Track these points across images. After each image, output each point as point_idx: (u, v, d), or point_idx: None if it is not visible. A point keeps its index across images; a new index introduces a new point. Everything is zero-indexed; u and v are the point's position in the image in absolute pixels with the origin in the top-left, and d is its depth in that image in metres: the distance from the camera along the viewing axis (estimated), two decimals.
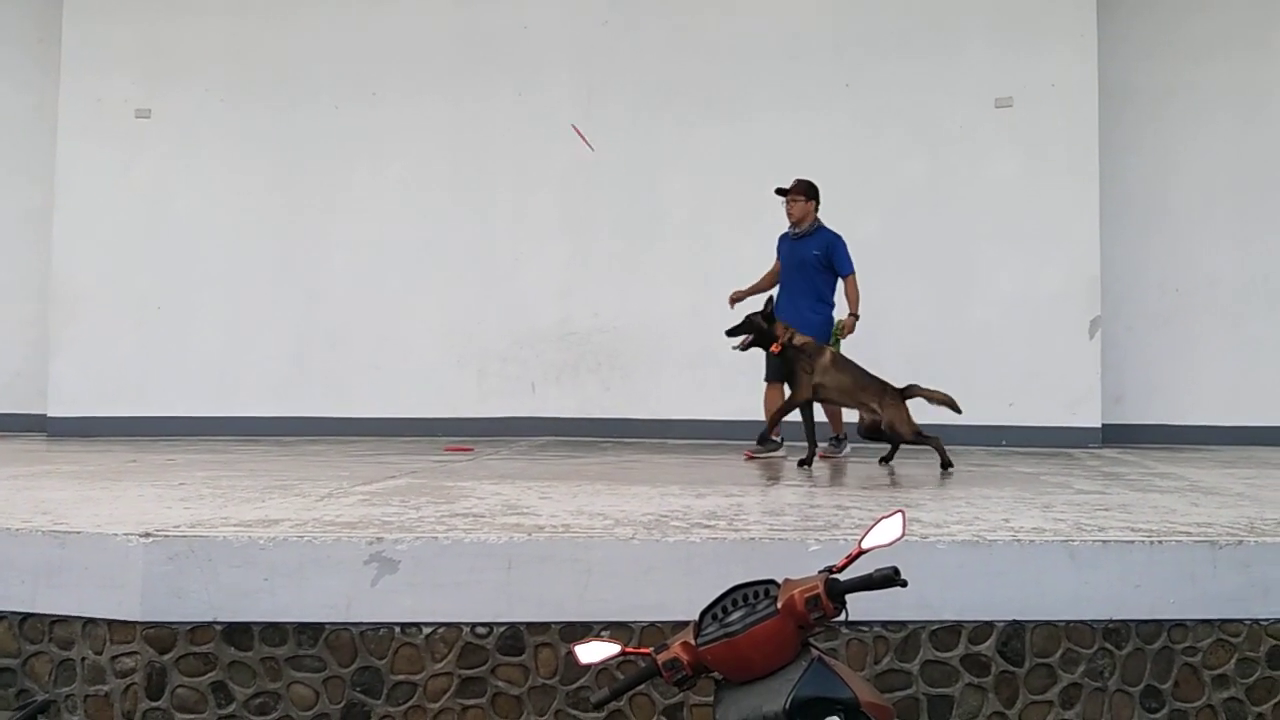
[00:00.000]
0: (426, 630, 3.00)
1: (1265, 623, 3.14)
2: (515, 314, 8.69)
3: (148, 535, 3.02)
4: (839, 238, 6.71)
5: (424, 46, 8.88)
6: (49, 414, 8.74)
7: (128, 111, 8.85)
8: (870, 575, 2.17)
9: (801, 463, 5.91)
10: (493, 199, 8.76)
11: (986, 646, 3.08)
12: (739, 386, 8.41)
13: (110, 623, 2.99)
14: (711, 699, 2.33)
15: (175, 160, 8.86)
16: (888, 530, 2.23)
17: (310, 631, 2.98)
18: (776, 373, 6.44)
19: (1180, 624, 3.12)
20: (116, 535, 3.05)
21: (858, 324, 6.66)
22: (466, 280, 8.75)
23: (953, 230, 8.38)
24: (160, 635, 2.96)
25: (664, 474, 5.34)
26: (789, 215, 6.79)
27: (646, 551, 3.06)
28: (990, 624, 3.08)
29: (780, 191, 6.79)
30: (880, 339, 8.34)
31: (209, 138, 8.86)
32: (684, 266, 8.57)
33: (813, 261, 6.67)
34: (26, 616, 3.09)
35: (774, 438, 6.61)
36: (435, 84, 8.83)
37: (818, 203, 6.80)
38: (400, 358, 8.64)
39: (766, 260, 8.59)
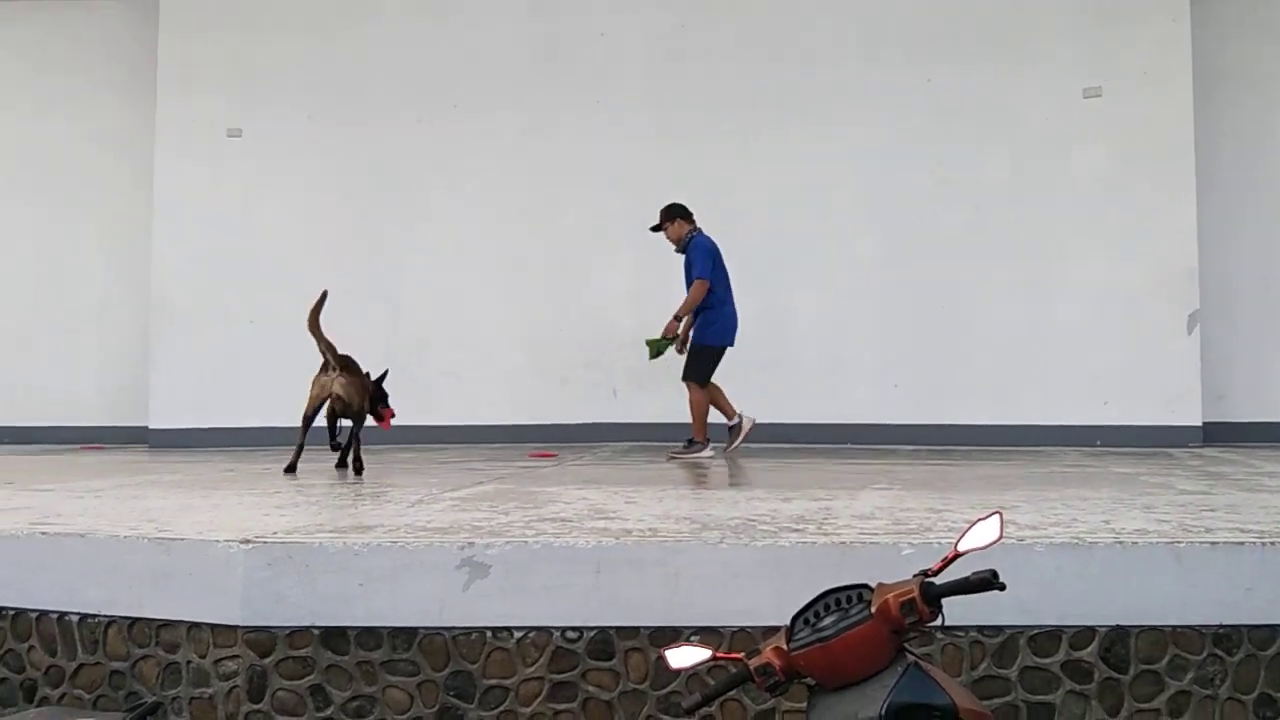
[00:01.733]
0: (518, 634, 3.02)
1: None
2: (594, 320, 8.75)
3: (247, 542, 3.10)
4: (699, 245, 6.85)
5: (501, 58, 9.01)
6: (150, 426, 9.06)
7: (219, 131, 9.14)
8: (968, 578, 2.12)
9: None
10: (569, 206, 8.83)
11: (1089, 652, 2.99)
12: (817, 388, 8.35)
13: (213, 627, 3.07)
14: (804, 705, 2.30)
15: (264, 177, 9.12)
16: (984, 533, 2.18)
17: (404, 636, 3.02)
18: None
19: None
20: (218, 542, 3.13)
21: (680, 324, 6.93)
22: (546, 288, 8.84)
23: (1040, 225, 8.18)
24: (260, 639, 3.03)
25: (747, 478, 5.31)
26: (671, 243, 7.07)
27: (734, 555, 3.04)
28: (1092, 629, 2.98)
29: (655, 229, 7.10)
30: (965, 338, 8.21)
31: (295, 153, 9.11)
32: (759, 271, 8.51)
33: (687, 280, 6.96)
34: (135, 621, 3.19)
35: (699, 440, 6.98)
36: (512, 94, 8.95)
37: (684, 218, 6.96)
38: (483, 365, 8.76)
39: (845, 260, 8.50)
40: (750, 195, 8.60)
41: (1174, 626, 2.98)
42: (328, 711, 3.02)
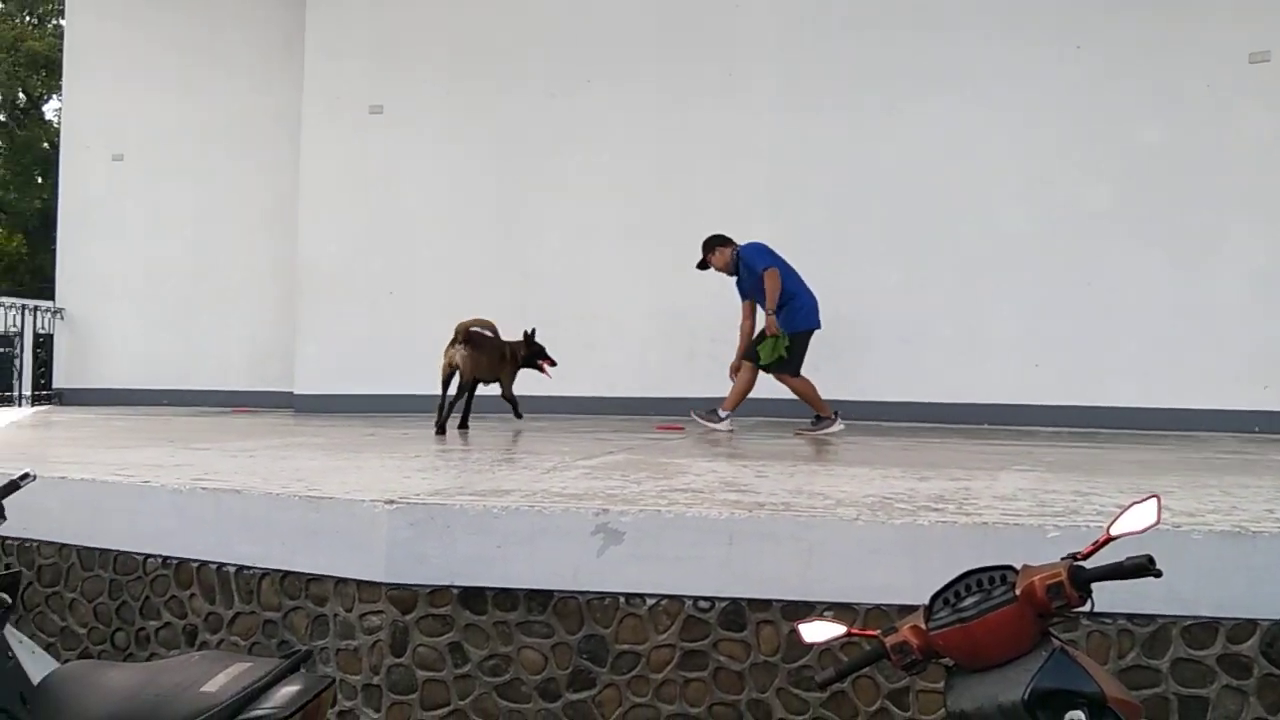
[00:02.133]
0: (650, 601, 3.05)
1: None
2: (723, 294, 8.68)
3: (391, 503, 3.21)
4: (749, 250, 6.94)
5: (634, 30, 9.01)
6: (295, 391, 9.47)
7: (362, 106, 9.43)
8: (1121, 563, 2.03)
9: None
10: (700, 179, 8.79)
11: (1248, 646, 2.83)
12: (955, 366, 8.13)
13: (359, 583, 3.20)
14: (941, 686, 2.25)
15: (403, 150, 9.38)
16: (1140, 517, 2.09)
17: (540, 598, 3.09)
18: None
19: None
20: (364, 501, 3.26)
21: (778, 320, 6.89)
22: (675, 261, 8.80)
23: (1198, 198, 7.74)
24: (403, 596, 3.14)
25: (883, 455, 5.21)
26: (723, 272, 7.20)
27: (871, 533, 2.99)
28: (1254, 622, 2.82)
29: (702, 266, 7.25)
30: (1113, 316, 7.85)
31: (432, 128, 9.33)
32: (897, 240, 8.33)
33: (750, 289, 7.05)
34: (287, 574, 3.35)
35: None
36: (645, 67, 8.95)
37: (723, 245, 7.06)
38: (612, 337, 8.83)
39: (987, 234, 8.26)
40: (887, 168, 8.40)
41: None
42: (465, 669, 3.12)
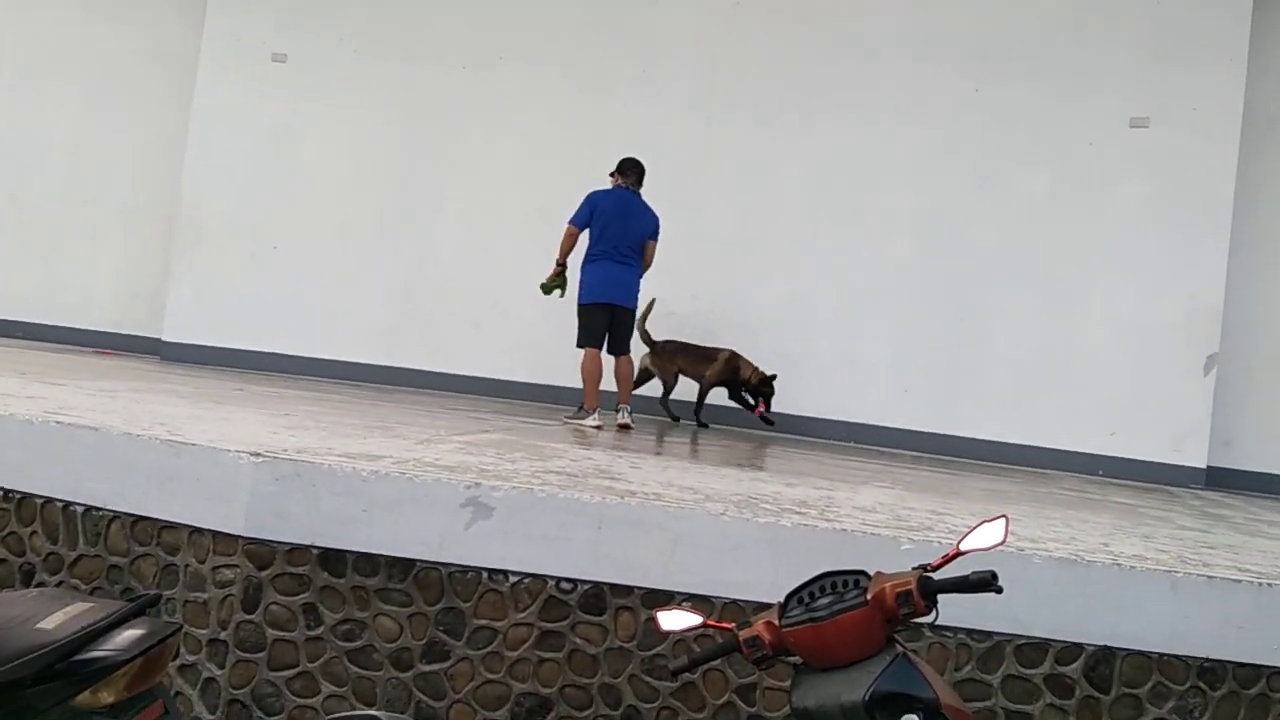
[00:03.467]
0: (513, 579, 3.05)
1: None
2: None
3: (258, 455, 3.13)
4: (589, 196, 6.77)
5: (553, 14, 8.95)
6: (163, 338, 9.10)
7: (265, 54, 9.12)
8: (967, 577, 2.13)
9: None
10: (603, 171, 8.78)
11: (1073, 668, 3.01)
12: (830, 384, 8.36)
13: (215, 534, 3.11)
14: (787, 684, 2.32)
15: (305, 105, 9.10)
16: (989, 534, 2.20)
17: (401, 566, 3.06)
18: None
19: None
20: (229, 451, 3.17)
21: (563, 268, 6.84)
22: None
23: (1072, 247, 8.13)
24: (260, 552, 3.07)
25: (753, 460, 5.33)
26: None
27: (735, 529, 3.06)
28: (1080, 646, 3.01)
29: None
30: (982, 351, 8.19)
31: (338, 85, 9.08)
32: (790, 256, 8.50)
33: None
34: (138, 519, 3.23)
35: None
36: (560, 53, 8.89)
37: (618, 172, 6.93)
38: (501, 319, 8.75)
39: (878, 254, 8.50)
40: (787, 181, 8.55)
41: (1161, 654, 3.00)
42: (318, 631, 3.06)
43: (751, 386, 7.80)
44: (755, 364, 7.81)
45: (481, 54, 8.97)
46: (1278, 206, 8.26)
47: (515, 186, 8.87)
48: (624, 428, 6.50)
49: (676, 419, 7.89)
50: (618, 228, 6.65)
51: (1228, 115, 7.92)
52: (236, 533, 3.08)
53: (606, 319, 6.62)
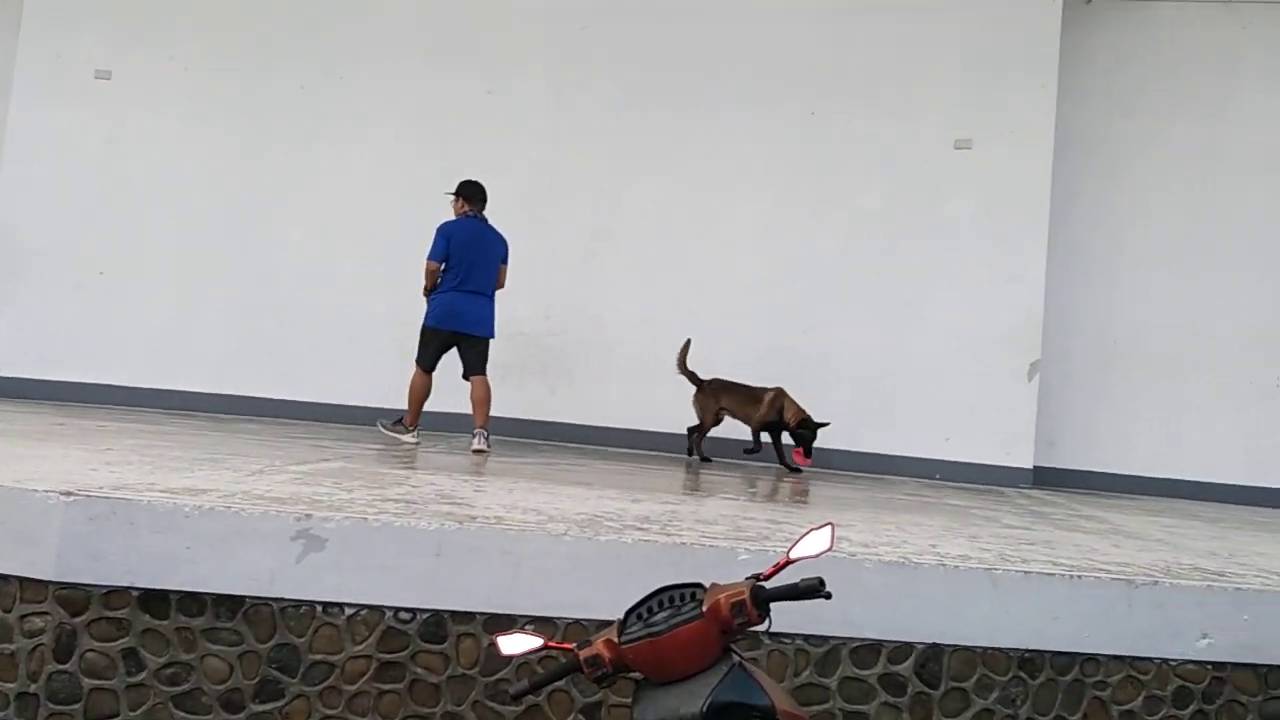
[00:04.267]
0: (349, 611, 2.97)
1: (1174, 663, 3.22)
2: None
3: (69, 494, 2.95)
4: (440, 229, 6.81)
5: (398, 31, 8.83)
6: None
7: (88, 71, 8.68)
8: (796, 585, 2.18)
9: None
10: (449, 190, 8.71)
11: (905, 667, 3.12)
12: (682, 399, 8.47)
13: (22, 580, 2.91)
14: (630, 700, 2.33)
15: (132, 124, 8.70)
16: (816, 542, 2.25)
17: (229, 604, 2.93)
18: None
19: (1093, 658, 3.19)
20: (36, 491, 2.97)
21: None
22: (418, 272, 8.68)
23: (905, 263, 8.51)
24: (73, 597, 2.89)
25: (602, 479, 5.34)
26: None
27: (577, 548, 3.06)
28: (910, 645, 3.12)
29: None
30: (825, 365, 8.47)
31: (169, 103, 8.72)
32: (639, 275, 8.60)
33: None
34: None
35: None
36: (404, 71, 8.78)
37: (465, 198, 6.93)
38: (345, 343, 8.54)
39: (725, 273, 8.68)
40: (636, 202, 8.67)
41: (984, 648, 3.15)
42: (140, 677, 2.91)
43: (789, 428, 7.45)
44: (801, 406, 7.48)
45: (322, 71, 8.77)
46: (1088, 220, 8.87)
47: (359, 206, 8.68)
48: (479, 452, 6.46)
49: (707, 460, 7.69)
50: (472, 261, 6.73)
51: (1041, 135, 8.45)
52: (46, 578, 2.89)
53: (443, 345, 6.73)
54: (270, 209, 8.70)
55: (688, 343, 7.69)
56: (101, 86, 8.71)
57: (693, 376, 7.70)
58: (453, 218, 6.88)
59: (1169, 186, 8.84)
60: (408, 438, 6.74)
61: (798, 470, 7.40)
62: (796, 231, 8.61)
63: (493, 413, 8.32)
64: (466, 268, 6.69)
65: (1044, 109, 8.44)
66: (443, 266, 6.69)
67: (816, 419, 7.45)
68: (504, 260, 6.92)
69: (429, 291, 6.77)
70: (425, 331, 6.73)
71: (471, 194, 6.90)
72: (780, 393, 7.52)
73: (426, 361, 6.75)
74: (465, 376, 6.78)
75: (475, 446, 6.54)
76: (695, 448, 7.76)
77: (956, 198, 8.52)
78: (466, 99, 8.73)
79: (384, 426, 6.99)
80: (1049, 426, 8.62)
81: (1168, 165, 8.83)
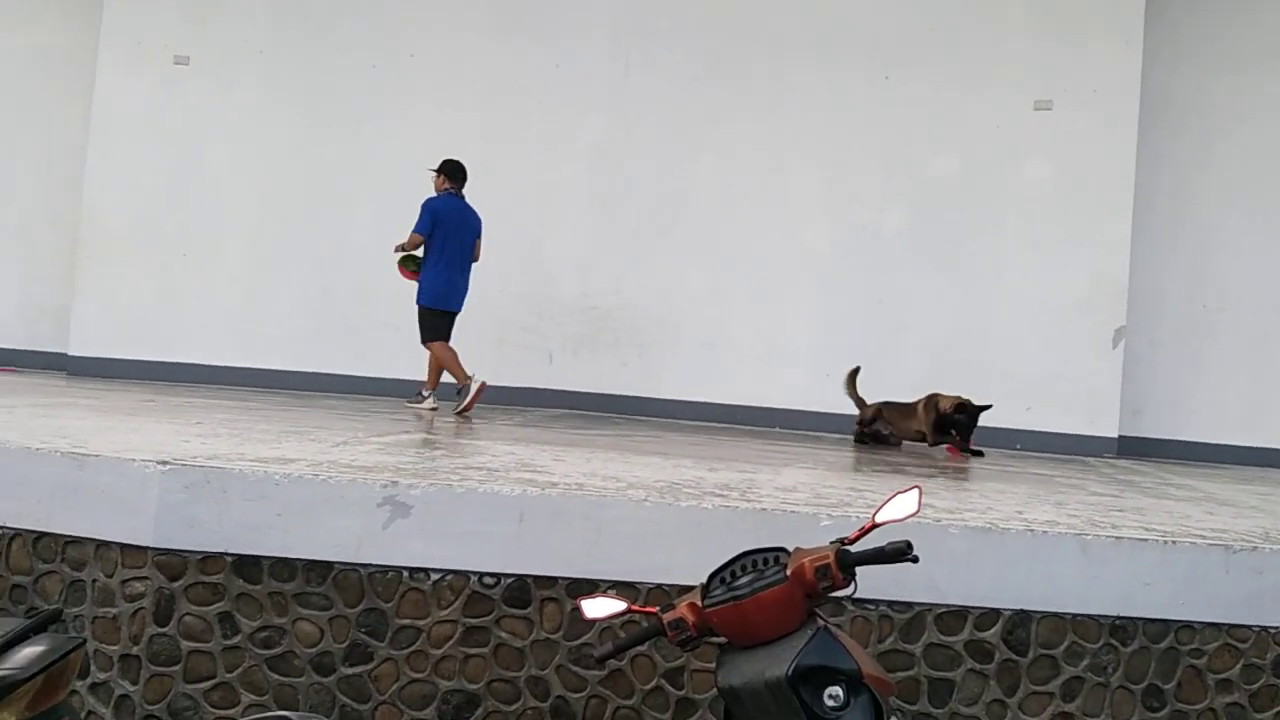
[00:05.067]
0: (434, 576, 3.01)
1: (1274, 630, 3.12)
2: (537, 284, 8.70)
3: (165, 463, 3.04)
4: (427, 205, 7.09)
5: (464, 12, 8.87)
6: (70, 352, 8.81)
7: (167, 56, 8.88)
8: (882, 548, 2.16)
9: None
10: (522, 166, 8.75)
11: (992, 634, 3.07)
12: (752, 371, 8.43)
13: (123, 547, 3.01)
14: (714, 665, 2.33)
15: (210, 108, 8.89)
16: (903, 505, 2.23)
17: (319, 569, 3.00)
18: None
19: (1188, 625, 3.10)
20: (134, 460, 3.07)
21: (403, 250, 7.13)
22: (490, 246, 8.73)
23: (982, 229, 8.33)
24: (171, 562, 2.98)
25: (677, 449, 5.34)
26: None
27: (658, 514, 3.06)
28: (997, 611, 3.07)
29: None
30: (902, 334, 8.34)
31: (245, 87, 8.88)
32: (707, 246, 8.56)
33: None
34: (41, 535, 3.11)
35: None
36: (472, 48, 8.82)
37: (447, 175, 7.24)
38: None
39: (795, 243, 8.58)
40: (703, 173, 8.63)
41: (1074, 614, 3.08)
42: (235, 640, 2.99)
43: (952, 418, 6.89)
44: (957, 396, 6.96)
45: (391, 51, 8.86)
46: (1176, 183, 8.57)
47: (429, 185, 8.76)
48: (434, 410, 7.06)
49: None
50: (457, 237, 7.10)
51: (1126, 96, 8.18)
52: (145, 544, 2.99)
53: (450, 321, 7.19)
54: (342, 188, 8.84)
55: (856, 370, 7.42)
56: (180, 72, 8.91)
57: (860, 402, 7.38)
58: (434, 194, 7.22)
59: (1263, 147, 8.50)
60: (427, 404, 7.19)
61: (979, 454, 6.85)
62: (868, 199, 8.48)
63: (566, 386, 8.44)
64: (453, 244, 7.06)
65: (1128, 68, 8.17)
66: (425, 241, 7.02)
67: (977, 402, 6.94)
68: (479, 235, 7.27)
69: (402, 249, 7.05)
70: (428, 312, 7.10)
71: (453, 172, 7.24)
72: (931, 396, 7.04)
73: (444, 335, 7.13)
74: (425, 340, 7.15)
75: (432, 406, 7.18)
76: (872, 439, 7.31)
77: (1036, 160, 8.31)
78: (534, 74, 8.74)
79: (409, 404, 7.32)
80: (1134, 394, 8.40)
81: (1262, 125, 8.49)
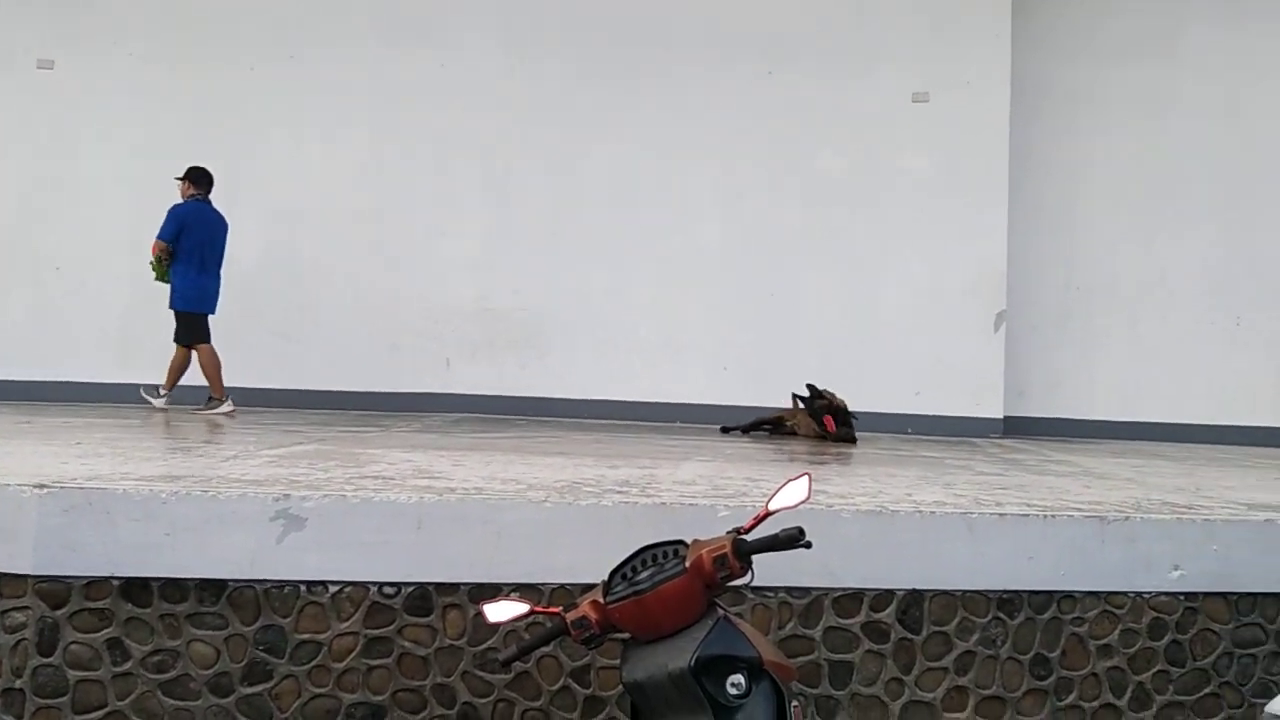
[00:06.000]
0: (333, 589, 2.96)
1: (1147, 595, 3.29)
2: (431, 287, 8.60)
3: (41, 486, 2.92)
4: (172, 211, 7.41)
5: (344, 9, 8.71)
6: None
7: (29, 61, 8.49)
8: (776, 535, 2.21)
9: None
10: (412, 169, 8.64)
11: (887, 614, 3.17)
12: (653, 367, 8.50)
13: (1, 575, 2.88)
14: (619, 661, 2.35)
15: (79, 114, 8.54)
16: (794, 493, 2.28)
17: (212, 588, 2.92)
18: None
19: (1069, 595, 3.25)
20: (9, 486, 2.94)
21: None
22: (382, 251, 8.62)
23: (867, 220, 8.56)
24: (54, 590, 2.87)
25: (579, 448, 5.35)
26: None
27: (558, 514, 3.07)
28: (891, 592, 3.17)
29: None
30: (792, 326, 8.52)
31: (116, 92, 8.56)
32: (602, 245, 8.59)
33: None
34: None
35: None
36: (356, 47, 8.67)
37: (192, 182, 7.54)
38: (310, 328, 8.48)
39: (688, 239, 8.65)
40: (595, 172, 8.65)
41: (964, 591, 3.20)
42: (126, 666, 2.89)
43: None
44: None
45: (271, 53, 8.65)
46: (1049, 170, 8.94)
47: (317, 188, 8.59)
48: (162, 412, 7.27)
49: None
50: (206, 242, 7.40)
51: (998, 88, 8.49)
52: (24, 572, 2.86)
53: (206, 322, 7.49)
54: (224, 194, 8.54)
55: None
56: (44, 77, 8.53)
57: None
58: (180, 200, 7.45)
59: (1124, 130, 8.92)
60: (225, 408, 7.35)
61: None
62: (757, 194, 8.63)
63: (466, 390, 8.36)
64: (205, 249, 7.37)
65: (999, 57, 8.49)
66: (172, 246, 7.29)
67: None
68: (226, 238, 7.57)
69: (159, 263, 7.30)
70: (184, 315, 7.37)
71: (199, 179, 7.52)
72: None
73: (203, 337, 7.42)
74: (186, 343, 7.43)
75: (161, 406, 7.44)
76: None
77: (916, 152, 8.56)
78: (419, 74, 8.64)
79: (199, 410, 7.33)
80: (1017, 377, 8.73)
81: (1121, 109, 8.91)
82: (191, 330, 7.36)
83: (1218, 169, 8.85)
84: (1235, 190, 8.83)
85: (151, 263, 7.31)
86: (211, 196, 7.65)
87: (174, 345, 7.46)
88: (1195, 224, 8.86)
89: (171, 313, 7.40)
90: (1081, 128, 8.95)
